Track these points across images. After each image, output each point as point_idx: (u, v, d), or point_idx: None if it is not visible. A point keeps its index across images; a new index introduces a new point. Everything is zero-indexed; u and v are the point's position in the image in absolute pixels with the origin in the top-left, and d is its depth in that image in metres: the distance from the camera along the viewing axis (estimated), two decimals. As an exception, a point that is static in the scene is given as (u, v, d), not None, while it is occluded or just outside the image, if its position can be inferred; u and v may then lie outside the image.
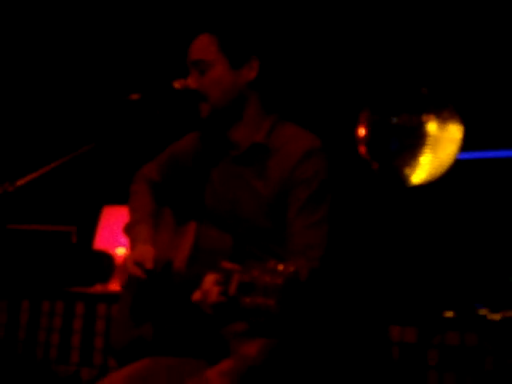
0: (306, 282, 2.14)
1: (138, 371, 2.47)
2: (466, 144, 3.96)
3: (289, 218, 2.46)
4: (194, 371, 2.44)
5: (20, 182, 2.19)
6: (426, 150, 3.85)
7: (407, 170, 3.91)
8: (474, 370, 3.11)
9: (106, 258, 4.24)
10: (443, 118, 3.88)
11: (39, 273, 4.52)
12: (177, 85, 2.49)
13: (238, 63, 2.51)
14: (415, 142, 3.86)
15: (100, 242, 4.23)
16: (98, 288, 4.21)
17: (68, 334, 4.07)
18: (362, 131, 4.01)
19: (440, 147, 3.85)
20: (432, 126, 3.85)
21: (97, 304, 4.02)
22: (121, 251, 4.11)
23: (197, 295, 2.11)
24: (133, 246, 2.59)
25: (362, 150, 4.03)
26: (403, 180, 3.95)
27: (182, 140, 2.80)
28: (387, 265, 4.12)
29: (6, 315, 4.26)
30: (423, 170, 3.89)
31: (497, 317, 3.27)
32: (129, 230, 2.66)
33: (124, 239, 3.73)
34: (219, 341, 2.50)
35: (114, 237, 4.13)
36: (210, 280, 2.08)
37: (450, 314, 3.34)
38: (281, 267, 1.93)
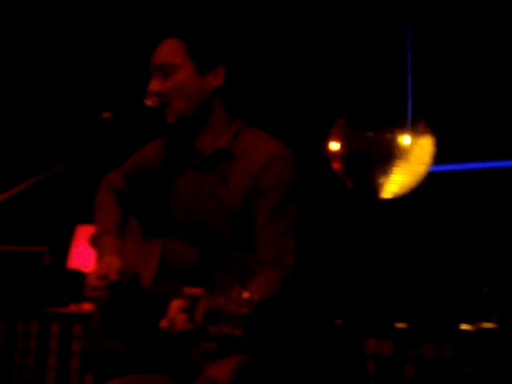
0: (271, 301, 2.15)
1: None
2: (439, 157, 3.97)
3: (255, 229, 2.44)
4: None
5: None
6: (398, 164, 3.85)
7: (379, 183, 3.91)
8: (450, 382, 3.12)
9: (80, 278, 4.22)
10: (416, 131, 3.88)
11: (12, 294, 4.49)
12: (149, 102, 2.45)
13: (205, 69, 2.50)
14: (388, 155, 3.86)
15: (74, 262, 4.22)
16: (73, 308, 4.18)
17: (43, 355, 4.05)
18: (334, 145, 4.01)
19: (412, 160, 3.86)
20: (404, 140, 3.86)
21: (72, 324, 4.00)
22: (95, 270, 4.11)
23: (164, 323, 2.07)
24: (99, 258, 2.54)
25: (336, 163, 4.03)
26: (375, 193, 3.95)
27: (147, 147, 2.75)
28: (361, 278, 4.12)
29: None
30: (395, 182, 3.90)
31: (473, 328, 3.28)
32: (94, 241, 2.62)
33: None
34: (187, 360, 2.49)
35: (88, 256, 4.10)
36: (175, 307, 2.05)
37: (425, 325, 3.34)
38: (246, 295, 1.93)
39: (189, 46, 2.51)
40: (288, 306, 2.40)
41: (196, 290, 2.02)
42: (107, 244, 2.56)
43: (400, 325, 3.34)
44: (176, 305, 2.03)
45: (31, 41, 5.29)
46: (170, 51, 2.52)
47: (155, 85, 2.48)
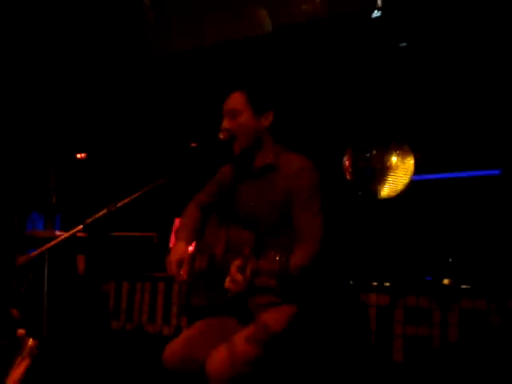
0: (298, 267, 2.19)
1: (199, 327, 2.56)
2: (418, 169, 3.97)
3: (294, 215, 2.46)
4: (232, 327, 2.48)
5: (119, 204, 2.24)
6: (390, 174, 3.87)
7: (377, 188, 3.92)
8: (427, 323, 3.07)
9: None
10: (402, 153, 3.89)
11: (132, 264, 4.52)
12: (221, 136, 2.48)
13: (259, 112, 2.52)
14: (383, 170, 3.87)
15: (173, 243, 4.15)
16: None
17: (154, 304, 4.06)
18: (346, 162, 4.04)
19: (399, 173, 3.88)
20: (394, 159, 3.87)
21: (172, 284, 4.00)
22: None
23: (226, 282, 2.16)
24: (174, 243, 2.60)
25: (347, 174, 4.05)
26: (375, 194, 3.96)
27: (222, 169, 2.76)
28: (365, 252, 4.09)
29: (113, 292, 4.24)
30: (388, 187, 3.91)
31: (441, 285, 3.27)
32: (175, 233, 2.70)
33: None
34: (246, 309, 2.52)
35: None
36: (233, 268, 2.12)
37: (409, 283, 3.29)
38: (277, 257, 2.01)
39: (249, 96, 2.52)
40: (318, 271, 2.44)
41: (248, 253, 2.10)
42: (181, 234, 2.63)
43: (393, 283, 3.28)
44: (234, 265, 2.12)
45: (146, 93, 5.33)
46: (235, 100, 2.53)
47: (226, 124, 2.52)
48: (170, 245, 4.29)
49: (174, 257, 2.49)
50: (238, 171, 2.68)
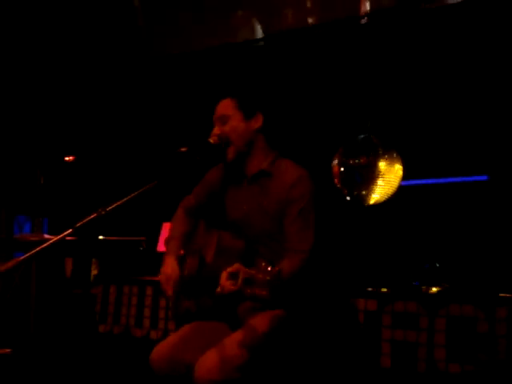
0: (288, 276, 2.20)
1: (187, 330, 2.54)
2: (406, 175, 3.97)
3: (285, 226, 2.46)
4: (222, 332, 2.48)
5: (109, 208, 2.21)
6: (378, 181, 3.86)
7: (366, 194, 3.91)
8: (413, 328, 3.07)
9: None
10: (390, 159, 3.90)
11: (120, 268, 4.51)
12: (211, 140, 2.49)
13: (249, 116, 2.54)
14: (371, 175, 3.87)
15: (161, 247, 4.23)
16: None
17: (141, 308, 4.04)
18: (335, 168, 4.03)
19: (387, 178, 3.88)
20: (382, 165, 3.87)
21: (160, 287, 3.92)
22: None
23: (217, 289, 2.15)
24: (165, 256, 2.61)
25: (336, 180, 4.05)
26: (363, 201, 3.96)
27: (211, 171, 2.76)
28: (354, 258, 4.10)
29: (101, 295, 4.22)
30: (376, 194, 3.91)
31: (428, 290, 3.27)
32: (166, 242, 2.69)
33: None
34: (236, 314, 2.52)
35: None
36: (224, 276, 2.12)
37: (397, 289, 3.32)
38: (269, 267, 2.02)
39: (238, 102, 2.54)
40: (307, 278, 2.45)
41: (237, 266, 2.09)
42: (172, 248, 2.62)
43: (382, 289, 3.31)
44: (225, 274, 2.11)
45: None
46: (225, 106, 2.55)
47: (217, 129, 2.54)
48: (158, 249, 4.28)
49: (167, 277, 2.53)
50: (230, 175, 2.68)
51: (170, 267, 2.54)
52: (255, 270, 2.03)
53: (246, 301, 2.45)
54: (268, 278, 2.00)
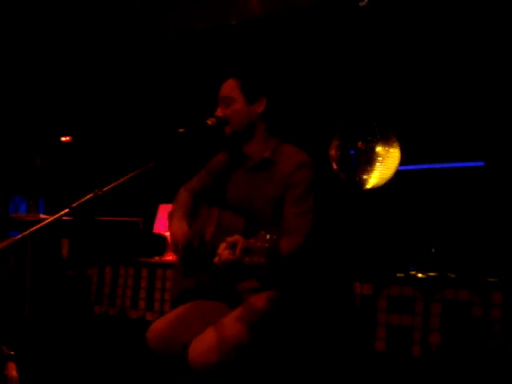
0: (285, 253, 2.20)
1: (185, 308, 2.54)
2: (403, 160, 3.96)
3: (284, 209, 2.48)
4: (220, 311, 2.48)
5: (106, 189, 2.17)
6: (376, 165, 3.85)
7: (364, 178, 3.90)
8: (409, 312, 3.07)
9: (162, 239, 4.25)
10: (387, 143, 3.88)
11: (118, 249, 4.50)
12: (209, 122, 2.49)
13: (252, 100, 2.55)
14: (369, 159, 3.85)
15: (157, 228, 4.24)
16: (156, 259, 4.21)
17: (137, 289, 4.05)
18: (333, 152, 4.02)
19: (385, 163, 3.86)
20: (380, 149, 3.85)
21: (156, 269, 4.00)
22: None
23: (215, 259, 2.17)
24: (169, 222, 2.61)
25: (333, 164, 4.04)
26: (361, 185, 3.95)
27: (215, 158, 2.78)
28: (352, 243, 4.08)
29: (96, 276, 4.23)
30: (374, 178, 3.90)
31: (424, 275, 3.26)
32: (170, 215, 2.69)
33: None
34: (236, 293, 2.54)
35: (167, 225, 4.11)
36: (223, 245, 2.14)
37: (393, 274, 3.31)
38: (267, 236, 2.02)
39: (242, 84, 2.55)
40: (305, 261, 2.47)
41: (236, 237, 2.12)
42: (177, 216, 2.62)
43: (376, 273, 3.30)
44: (223, 244, 2.14)
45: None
46: (229, 88, 2.56)
47: (219, 111, 2.55)
48: (154, 230, 4.28)
49: (178, 232, 2.51)
50: (232, 159, 2.69)
51: (178, 225, 2.53)
52: (254, 239, 2.04)
53: (245, 280, 2.47)
54: (266, 245, 2.01)
